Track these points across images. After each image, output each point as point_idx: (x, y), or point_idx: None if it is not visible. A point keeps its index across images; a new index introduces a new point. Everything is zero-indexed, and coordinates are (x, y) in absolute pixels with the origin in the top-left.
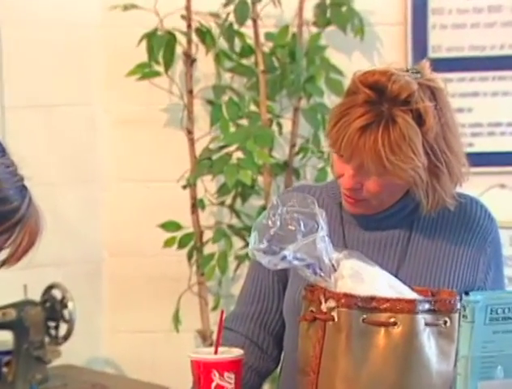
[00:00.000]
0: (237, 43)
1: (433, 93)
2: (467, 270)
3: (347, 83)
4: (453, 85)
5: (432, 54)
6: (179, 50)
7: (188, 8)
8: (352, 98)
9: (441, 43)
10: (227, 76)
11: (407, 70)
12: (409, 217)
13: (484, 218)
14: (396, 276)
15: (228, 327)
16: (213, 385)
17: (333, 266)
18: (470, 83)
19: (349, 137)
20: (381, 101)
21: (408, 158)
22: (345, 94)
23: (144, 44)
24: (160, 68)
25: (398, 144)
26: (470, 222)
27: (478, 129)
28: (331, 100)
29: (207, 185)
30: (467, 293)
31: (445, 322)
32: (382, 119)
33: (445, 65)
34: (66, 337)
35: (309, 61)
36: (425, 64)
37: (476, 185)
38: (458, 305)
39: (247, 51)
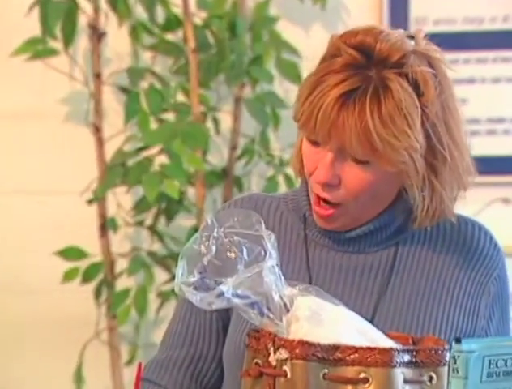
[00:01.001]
0: (160, 12)
1: (431, 63)
2: (464, 314)
3: (304, 65)
4: None
5: (414, 28)
6: (83, 21)
7: None
8: (331, 62)
9: (427, 13)
10: (146, 56)
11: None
12: (394, 238)
13: (488, 247)
14: (373, 317)
15: (147, 378)
16: None
17: (285, 305)
18: (464, 66)
19: (326, 109)
20: (368, 65)
21: (403, 134)
22: (321, 60)
23: (36, 13)
24: (58, 45)
25: (391, 115)
26: (470, 252)
27: (475, 126)
28: (284, 88)
29: (121, 200)
30: (458, 340)
31: (431, 379)
32: (370, 84)
33: (432, 42)
34: None
35: (255, 36)
36: (420, 32)
37: (473, 200)
38: (448, 357)
39: (173, 23)
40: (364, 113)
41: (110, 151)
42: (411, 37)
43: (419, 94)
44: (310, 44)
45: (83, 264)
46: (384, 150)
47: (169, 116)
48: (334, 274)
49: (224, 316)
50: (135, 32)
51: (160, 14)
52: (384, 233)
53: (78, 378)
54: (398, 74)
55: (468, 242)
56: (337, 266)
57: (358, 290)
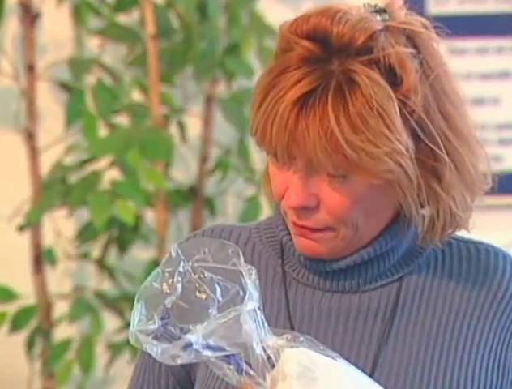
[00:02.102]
0: None
1: (412, 39)
2: (488, 366)
3: None
4: (468, 59)
5: (434, 9)
6: None
7: None
8: (283, 59)
9: None
10: (93, 44)
11: (364, 6)
12: (397, 271)
13: None
14: (373, 372)
15: None
16: None
17: (269, 359)
18: (496, 57)
19: (281, 119)
20: (328, 56)
21: (381, 137)
22: (274, 57)
23: None
24: None
25: (362, 116)
26: (492, 288)
27: (509, 133)
28: None
29: (61, 226)
30: None
31: None
32: (332, 80)
33: (456, 27)
34: None
35: (231, 19)
36: (394, 1)
37: (503, 226)
38: None
39: (127, 2)
40: (327, 119)
41: (47, 163)
42: (384, 11)
43: (396, 83)
44: None
45: (11, 308)
46: (361, 160)
47: (122, 119)
48: (322, 320)
49: (187, 377)
50: (78, 12)
51: None
52: (383, 264)
53: None
54: (367, 62)
55: (490, 276)
56: (325, 310)
57: (352, 339)
